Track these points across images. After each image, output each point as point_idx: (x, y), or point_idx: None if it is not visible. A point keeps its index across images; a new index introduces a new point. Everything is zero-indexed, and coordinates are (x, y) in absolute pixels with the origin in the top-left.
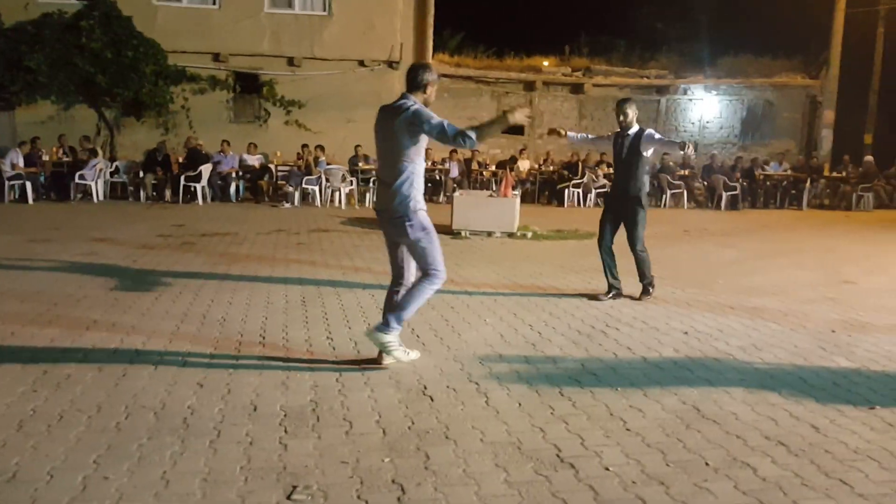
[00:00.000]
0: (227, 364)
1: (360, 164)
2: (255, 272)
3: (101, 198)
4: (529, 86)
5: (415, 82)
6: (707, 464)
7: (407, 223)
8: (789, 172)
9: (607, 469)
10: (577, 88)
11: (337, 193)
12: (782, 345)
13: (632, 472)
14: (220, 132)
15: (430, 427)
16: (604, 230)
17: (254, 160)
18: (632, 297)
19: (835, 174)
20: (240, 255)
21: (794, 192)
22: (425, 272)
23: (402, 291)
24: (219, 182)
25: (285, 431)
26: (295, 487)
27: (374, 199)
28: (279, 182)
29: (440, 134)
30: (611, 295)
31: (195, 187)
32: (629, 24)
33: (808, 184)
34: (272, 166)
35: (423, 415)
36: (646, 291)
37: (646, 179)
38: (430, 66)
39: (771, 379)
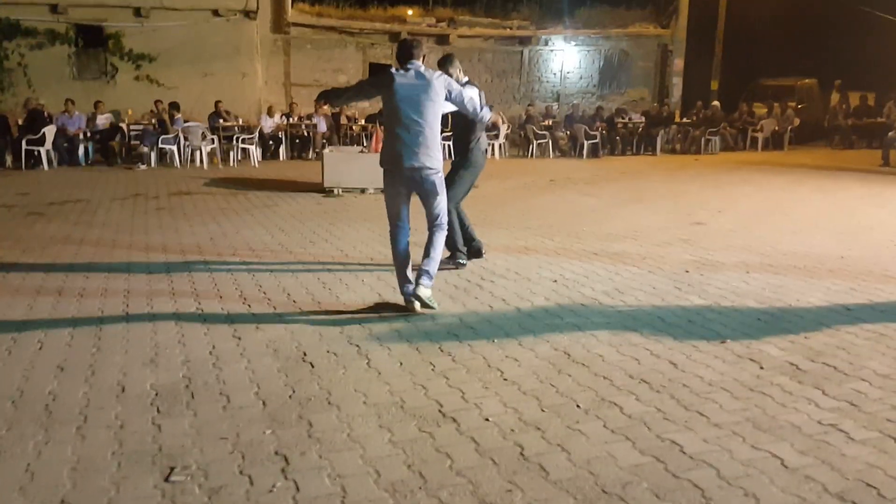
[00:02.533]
0: (89, 344)
1: (222, 121)
2: (112, 242)
3: None
4: (395, 37)
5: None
6: (578, 406)
7: (437, 177)
8: (643, 120)
9: (487, 419)
10: (442, 39)
11: (197, 153)
12: (642, 287)
13: (510, 421)
14: (63, 90)
15: (312, 394)
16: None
17: (103, 119)
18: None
19: (685, 120)
20: (94, 224)
21: (648, 138)
22: (437, 223)
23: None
24: (65, 145)
25: (158, 411)
26: (172, 468)
27: (399, 154)
28: (132, 143)
29: (464, 106)
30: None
31: (38, 151)
32: None
33: (661, 130)
34: (124, 126)
35: (303, 382)
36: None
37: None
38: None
39: (633, 320)
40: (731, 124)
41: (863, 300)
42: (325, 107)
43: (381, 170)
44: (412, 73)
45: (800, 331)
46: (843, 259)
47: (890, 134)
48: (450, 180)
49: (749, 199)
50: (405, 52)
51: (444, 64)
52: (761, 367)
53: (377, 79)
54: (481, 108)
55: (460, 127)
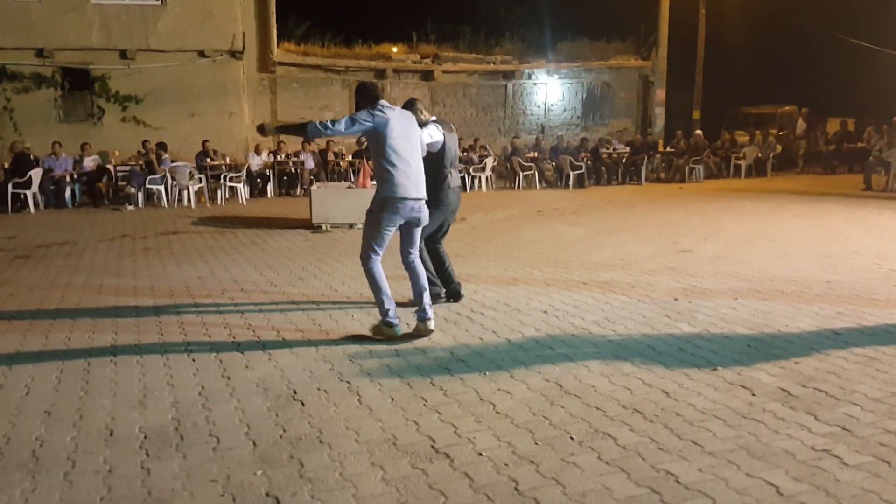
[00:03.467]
0: (77, 388)
1: (209, 160)
2: (99, 284)
3: None
4: (380, 73)
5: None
6: (572, 438)
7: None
8: (627, 150)
9: (480, 454)
10: (427, 75)
11: (185, 192)
12: (631, 316)
13: (503, 455)
14: (49, 133)
15: (303, 433)
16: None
17: (90, 161)
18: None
19: (669, 149)
20: (82, 266)
21: (632, 167)
22: (414, 249)
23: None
24: (51, 187)
25: (147, 455)
26: None
27: (406, 187)
28: (120, 184)
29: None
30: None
31: (25, 194)
32: (474, 10)
33: (645, 159)
34: (110, 167)
35: (294, 421)
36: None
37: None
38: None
39: (623, 349)
40: (714, 152)
41: (851, 324)
42: (310, 144)
43: (389, 203)
44: (396, 110)
45: (790, 356)
46: (829, 283)
47: (870, 158)
48: None
49: (734, 226)
50: (373, 94)
51: (409, 107)
52: (753, 394)
53: (374, 115)
54: (434, 138)
55: (430, 167)
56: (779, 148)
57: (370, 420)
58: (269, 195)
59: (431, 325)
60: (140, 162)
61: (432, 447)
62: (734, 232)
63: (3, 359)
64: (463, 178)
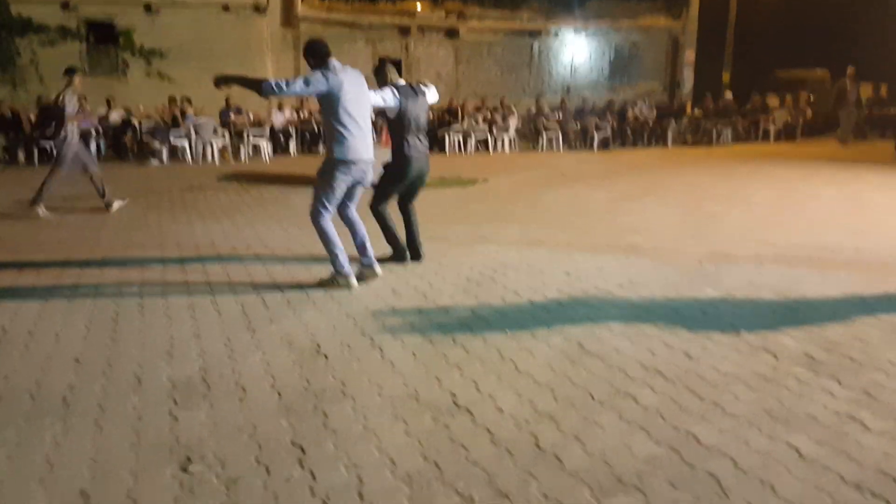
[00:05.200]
0: (105, 337)
1: (233, 117)
2: (126, 237)
3: None
4: (404, 31)
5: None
6: (593, 397)
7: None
8: (654, 112)
9: (501, 411)
10: (451, 33)
11: (208, 148)
12: (655, 279)
13: (525, 412)
14: None
15: (327, 386)
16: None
17: (115, 116)
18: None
19: (697, 111)
20: (109, 220)
21: (659, 130)
22: (353, 204)
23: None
24: None
25: (175, 403)
26: (190, 459)
27: (359, 148)
28: (144, 138)
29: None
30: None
31: (51, 147)
32: None
33: (672, 122)
34: (135, 121)
35: (318, 374)
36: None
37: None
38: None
39: (646, 312)
40: (744, 116)
41: (879, 291)
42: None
43: (342, 164)
44: (348, 70)
45: (815, 322)
46: (857, 251)
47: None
48: (379, 181)
49: (762, 191)
50: (324, 53)
51: (380, 69)
52: (776, 359)
53: (328, 77)
54: (387, 103)
55: (392, 129)
56: (809, 113)
57: (393, 375)
58: (291, 153)
59: (377, 269)
60: (163, 117)
61: (454, 403)
62: (762, 197)
63: (33, 308)
64: (486, 140)
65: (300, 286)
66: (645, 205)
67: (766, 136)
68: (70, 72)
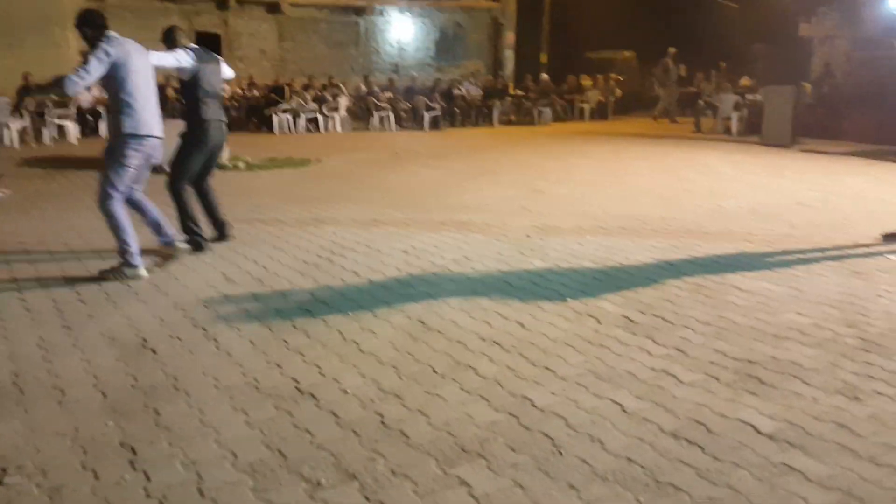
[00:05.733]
0: None
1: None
2: None
3: None
4: (222, 4)
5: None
6: (435, 371)
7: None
8: (482, 92)
9: (346, 392)
10: (273, 8)
11: (5, 131)
12: (488, 253)
13: (370, 391)
14: None
15: (157, 382)
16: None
17: None
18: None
19: (518, 92)
20: None
21: (485, 110)
22: (140, 186)
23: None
24: None
25: None
26: (5, 471)
27: (150, 123)
28: None
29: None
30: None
31: None
32: None
33: (497, 102)
34: None
35: (146, 370)
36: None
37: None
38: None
39: (482, 285)
40: (561, 96)
41: (683, 256)
42: None
43: (133, 139)
44: (128, 41)
45: (631, 287)
46: (664, 220)
47: (699, 103)
48: (177, 155)
49: (581, 168)
50: (102, 23)
51: (169, 35)
52: (599, 322)
53: (113, 47)
54: (181, 63)
55: (185, 98)
56: (619, 92)
57: (229, 365)
58: (101, 134)
59: (181, 244)
60: None
61: (296, 388)
62: (582, 173)
63: None
64: (316, 119)
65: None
66: (476, 183)
67: (581, 114)
68: None
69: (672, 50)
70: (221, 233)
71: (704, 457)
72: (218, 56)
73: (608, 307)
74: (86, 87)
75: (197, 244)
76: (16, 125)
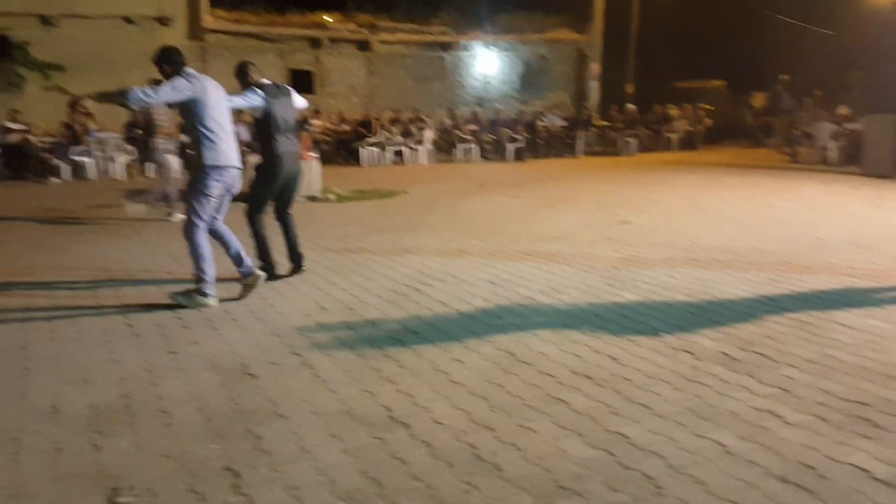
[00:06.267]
0: (17, 366)
1: (138, 131)
2: (30, 258)
3: None
4: (315, 42)
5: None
6: (527, 404)
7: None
8: (565, 123)
9: (438, 423)
10: (363, 45)
11: (112, 164)
12: (576, 285)
13: (461, 422)
14: None
15: (257, 406)
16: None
17: (17, 128)
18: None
19: (604, 122)
20: (9, 241)
21: (569, 140)
22: (222, 216)
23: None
24: None
25: (96, 432)
26: (117, 490)
27: (226, 155)
28: (43, 155)
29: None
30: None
31: None
32: None
33: (580, 133)
34: (33, 138)
35: (247, 395)
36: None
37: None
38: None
39: (571, 318)
40: (647, 126)
41: (784, 290)
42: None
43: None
44: (205, 77)
45: (728, 322)
46: (761, 251)
47: (795, 132)
48: (252, 187)
49: (669, 198)
50: (181, 60)
51: (241, 70)
52: (696, 358)
53: (192, 82)
54: (252, 104)
55: (258, 134)
56: (708, 121)
57: (325, 392)
58: None
59: (259, 273)
60: (66, 131)
61: (390, 417)
62: (669, 203)
63: None
64: (401, 151)
65: (221, 305)
66: (560, 213)
67: (668, 144)
68: None
69: (784, 77)
70: (297, 264)
71: (815, 503)
72: (289, 88)
73: (705, 343)
74: (148, 105)
75: (270, 272)
76: (122, 159)
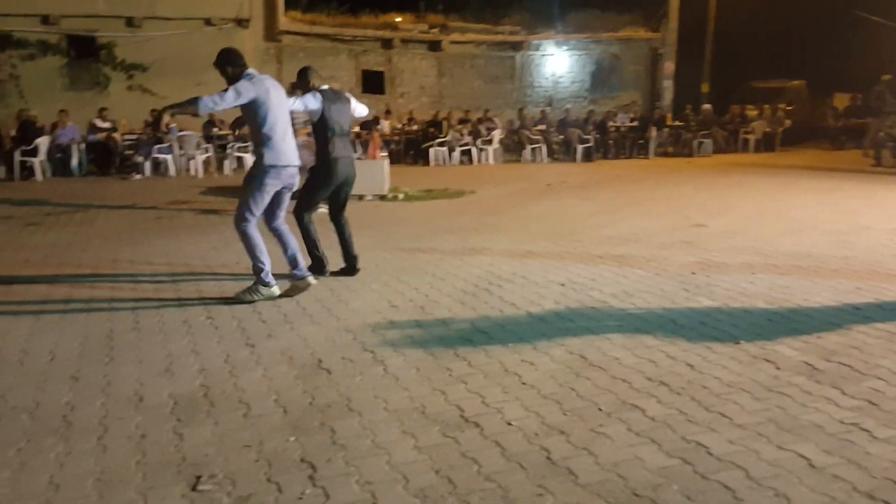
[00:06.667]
0: (102, 354)
1: (216, 130)
2: (113, 251)
3: None
4: (387, 43)
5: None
6: (600, 409)
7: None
8: (636, 123)
9: (510, 424)
10: (434, 46)
11: (192, 162)
12: (650, 289)
13: (533, 425)
14: (55, 101)
15: (332, 401)
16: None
17: (104, 126)
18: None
19: (677, 123)
20: (94, 234)
21: (641, 141)
22: (283, 213)
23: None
24: (58, 155)
25: (178, 420)
26: (199, 478)
27: (285, 154)
28: (126, 152)
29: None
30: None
31: (32, 162)
32: None
33: (653, 133)
34: (117, 135)
35: (322, 389)
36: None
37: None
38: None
39: (645, 322)
40: (723, 126)
41: (870, 299)
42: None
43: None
44: (266, 77)
45: (811, 331)
46: (845, 259)
47: (880, 134)
48: (304, 187)
49: (746, 201)
50: (242, 61)
51: (302, 75)
52: (777, 368)
53: (254, 84)
54: (309, 107)
55: (316, 134)
56: (787, 122)
57: (397, 389)
58: None
59: (311, 279)
60: (147, 130)
61: (461, 416)
62: (746, 207)
63: (25, 325)
64: (470, 151)
65: (294, 300)
66: (632, 215)
67: (745, 146)
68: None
69: (886, 77)
70: (350, 265)
71: None
72: (349, 95)
73: (787, 352)
74: (216, 110)
75: (319, 268)
76: (202, 157)
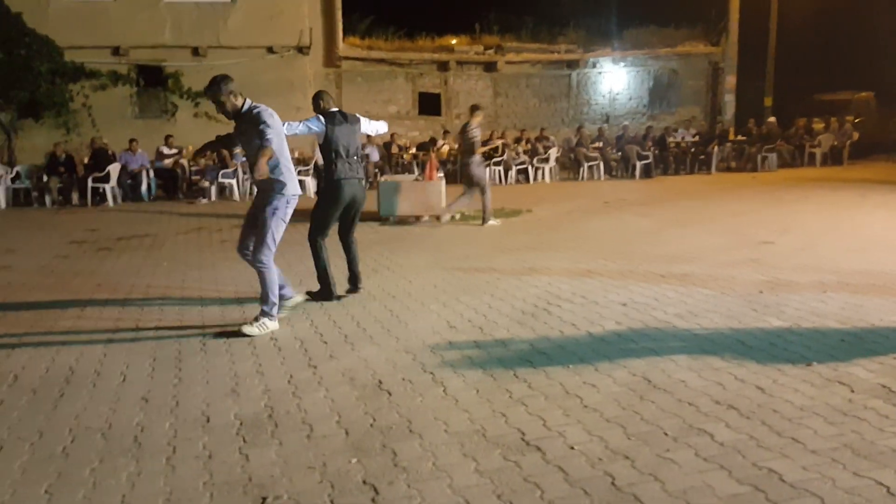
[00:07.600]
0: (171, 376)
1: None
2: (182, 274)
3: (2, 206)
4: (443, 66)
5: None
6: (666, 434)
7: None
8: (696, 138)
9: (573, 448)
10: (490, 67)
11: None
12: (716, 309)
13: (596, 449)
14: (125, 129)
15: (393, 423)
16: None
17: (171, 153)
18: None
19: (739, 137)
20: (163, 258)
21: (702, 157)
22: None
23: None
24: (128, 181)
25: (244, 441)
26: (265, 499)
27: (294, 180)
28: (193, 177)
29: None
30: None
31: (103, 188)
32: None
33: (715, 148)
34: (184, 161)
35: (382, 411)
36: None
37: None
38: None
39: (711, 344)
40: (788, 140)
41: None
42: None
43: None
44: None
45: (887, 351)
46: None
47: None
48: (314, 210)
49: (814, 217)
50: (232, 87)
51: (315, 99)
52: (852, 391)
53: (271, 119)
54: (312, 130)
55: (322, 154)
56: (856, 135)
57: (457, 411)
58: None
59: (299, 299)
60: (214, 156)
61: (522, 440)
62: (814, 223)
63: (98, 348)
64: (526, 170)
65: (355, 321)
66: (693, 232)
67: (811, 160)
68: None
69: None
70: (353, 285)
71: None
72: (358, 116)
73: (862, 374)
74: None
75: (328, 294)
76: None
